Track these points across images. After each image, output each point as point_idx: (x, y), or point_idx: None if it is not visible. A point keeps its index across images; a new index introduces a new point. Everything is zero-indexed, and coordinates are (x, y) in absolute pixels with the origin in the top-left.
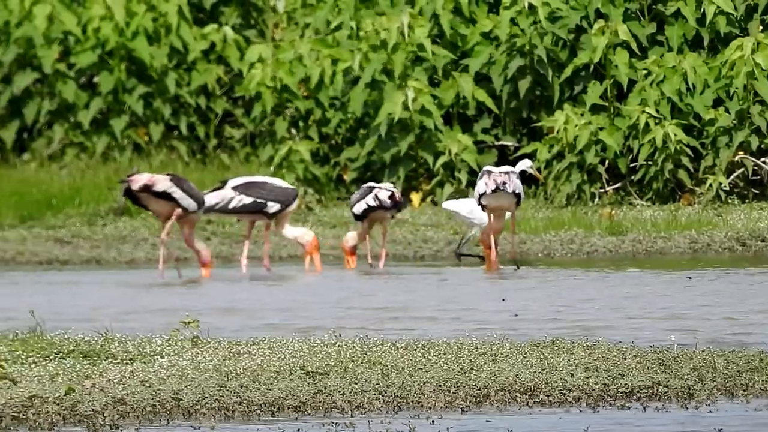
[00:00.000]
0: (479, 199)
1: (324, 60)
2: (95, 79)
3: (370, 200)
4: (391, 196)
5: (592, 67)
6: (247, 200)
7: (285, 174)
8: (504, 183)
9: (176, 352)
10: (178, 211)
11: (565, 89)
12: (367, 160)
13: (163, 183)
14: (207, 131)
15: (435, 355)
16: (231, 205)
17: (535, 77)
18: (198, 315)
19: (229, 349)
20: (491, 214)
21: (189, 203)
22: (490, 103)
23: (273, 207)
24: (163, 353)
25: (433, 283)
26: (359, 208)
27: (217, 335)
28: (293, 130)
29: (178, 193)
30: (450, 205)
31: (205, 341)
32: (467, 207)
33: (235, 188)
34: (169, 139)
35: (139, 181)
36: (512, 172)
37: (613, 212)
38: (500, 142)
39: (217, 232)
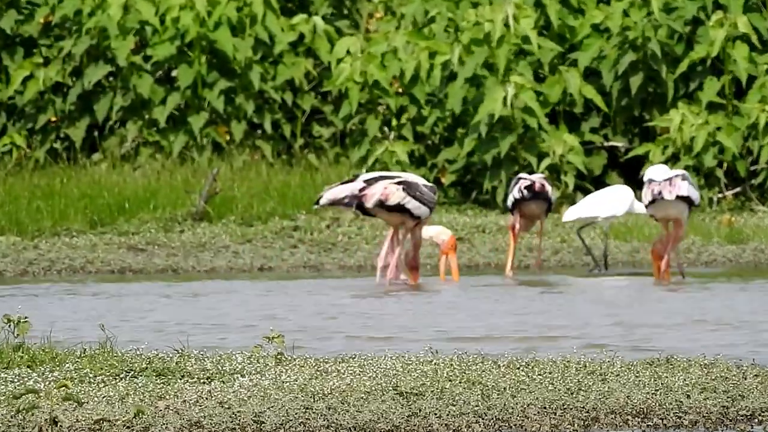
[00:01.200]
0: (646, 208)
1: (420, 53)
2: (173, 73)
3: (515, 192)
4: (529, 186)
5: (709, 61)
6: (412, 203)
7: None
8: (660, 192)
9: (258, 370)
10: (410, 223)
11: (680, 86)
12: (467, 161)
13: (396, 195)
14: (293, 130)
15: (540, 374)
16: (390, 202)
17: (648, 73)
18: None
19: (315, 367)
20: (662, 224)
21: (423, 212)
22: (599, 100)
23: (420, 209)
24: (244, 372)
25: (552, 296)
26: (509, 200)
27: (314, 352)
28: (386, 129)
29: (411, 203)
30: (582, 212)
31: (290, 359)
32: (609, 209)
33: (404, 187)
34: (252, 138)
35: (372, 197)
36: (677, 176)
37: (733, 219)
38: (610, 143)
39: (304, 239)
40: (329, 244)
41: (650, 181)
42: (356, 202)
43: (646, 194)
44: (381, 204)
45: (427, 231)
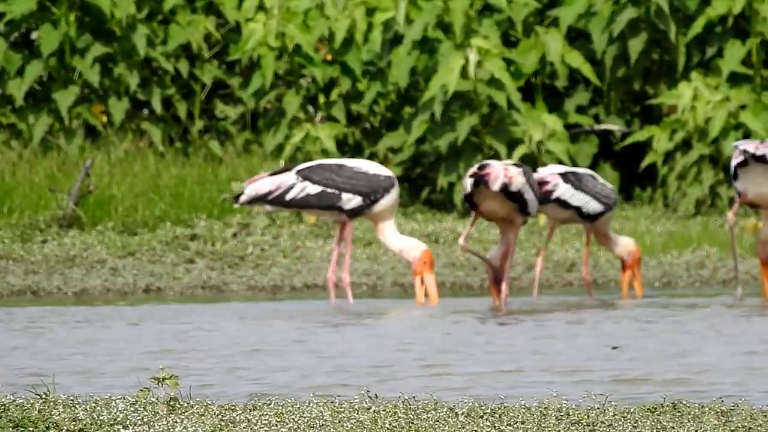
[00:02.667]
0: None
1: (355, 10)
2: (33, 36)
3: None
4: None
5: (731, 20)
6: (314, 189)
7: None
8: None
9: (145, 420)
10: (518, 220)
11: (693, 52)
12: (416, 150)
13: (518, 180)
14: (190, 109)
15: (510, 425)
16: (290, 196)
17: (652, 34)
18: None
19: (220, 417)
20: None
21: (533, 206)
22: (588, 70)
23: (351, 201)
24: (127, 422)
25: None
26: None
27: (219, 396)
28: (310, 108)
29: (529, 194)
30: None
31: (186, 405)
32: None
33: (300, 172)
34: (136, 120)
35: (497, 178)
36: None
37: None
38: (602, 126)
39: (203, 252)
40: (236, 258)
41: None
42: (471, 182)
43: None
44: (505, 188)
45: (399, 243)
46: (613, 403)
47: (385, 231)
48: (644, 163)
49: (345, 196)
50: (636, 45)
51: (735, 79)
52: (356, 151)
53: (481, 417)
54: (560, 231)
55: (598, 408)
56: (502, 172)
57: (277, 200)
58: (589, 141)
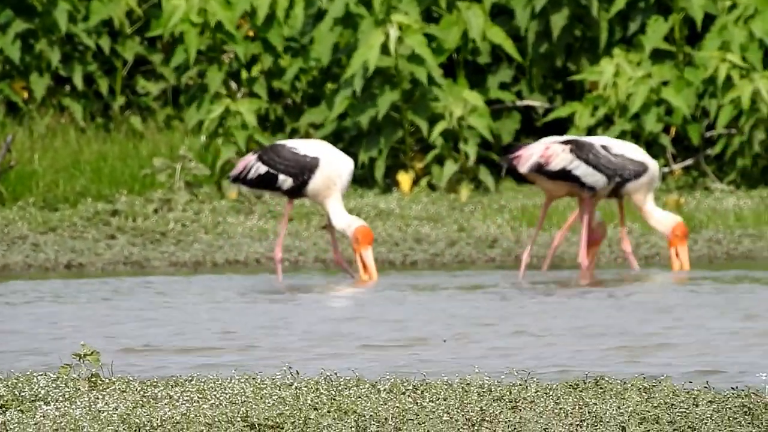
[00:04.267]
0: None
1: None
2: None
3: None
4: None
5: None
6: (262, 169)
7: (221, 145)
8: None
9: (67, 396)
10: (585, 195)
11: (616, 28)
12: (337, 126)
13: (560, 158)
14: (112, 85)
15: (432, 401)
16: (249, 176)
17: (575, 11)
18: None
19: (141, 393)
20: None
21: (597, 179)
22: (510, 47)
23: (286, 181)
24: (49, 398)
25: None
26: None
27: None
28: (232, 84)
29: (580, 169)
30: None
31: (108, 381)
32: None
33: (257, 154)
34: (57, 96)
35: (527, 159)
36: None
37: (682, 200)
38: (524, 102)
39: (124, 228)
40: (157, 234)
41: None
42: (505, 166)
43: None
44: (539, 168)
45: (341, 220)
46: (535, 379)
47: (329, 209)
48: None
49: (281, 177)
50: (558, 21)
51: (657, 56)
52: (277, 127)
53: (404, 393)
54: (481, 207)
55: (520, 384)
56: (538, 152)
57: (242, 180)
58: (512, 117)
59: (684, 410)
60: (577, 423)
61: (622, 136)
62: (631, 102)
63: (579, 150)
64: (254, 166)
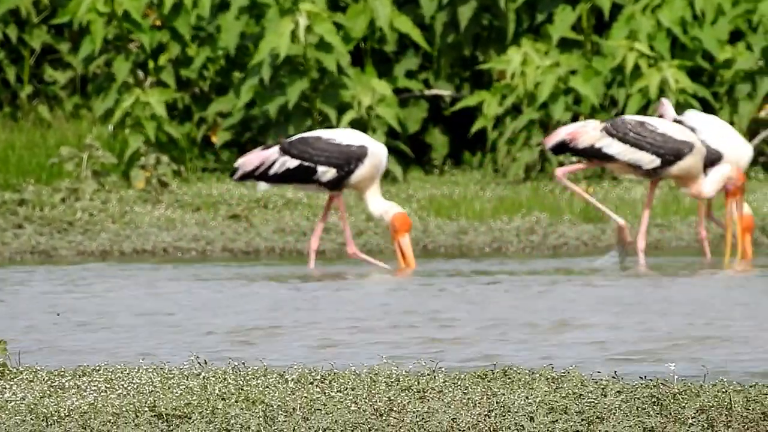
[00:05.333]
0: None
1: None
2: None
3: None
4: None
5: None
6: (293, 163)
7: (129, 134)
8: None
9: None
10: (637, 175)
11: (523, 17)
12: (245, 115)
13: (588, 136)
14: (19, 74)
15: (339, 391)
16: (273, 171)
17: (483, 1)
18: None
19: (49, 382)
20: None
21: (641, 157)
22: (418, 36)
23: (327, 173)
24: None
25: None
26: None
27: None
28: (140, 73)
29: (614, 147)
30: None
31: (14, 371)
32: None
33: (282, 147)
34: None
35: (551, 139)
36: None
37: (591, 190)
38: (432, 91)
39: (31, 217)
40: (65, 224)
41: None
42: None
43: None
44: (563, 146)
45: (379, 206)
46: (443, 369)
47: (368, 198)
48: (474, 128)
49: (321, 168)
50: (466, 11)
51: (565, 45)
52: (185, 117)
53: (311, 383)
54: (389, 196)
55: (428, 374)
56: (566, 130)
57: (262, 176)
58: (419, 106)
59: (592, 400)
60: (485, 413)
61: (530, 124)
62: (538, 91)
63: (614, 127)
64: (279, 160)
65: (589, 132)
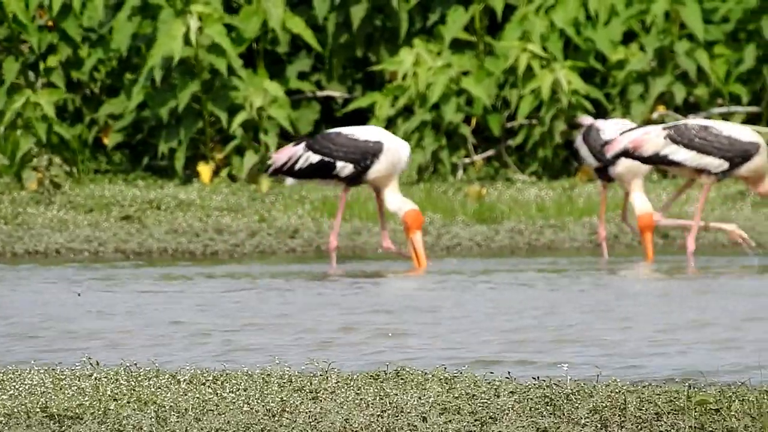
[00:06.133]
0: None
1: None
2: None
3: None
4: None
5: None
6: (314, 158)
7: (20, 136)
8: None
9: None
10: (704, 179)
11: (416, 18)
12: (137, 116)
13: (652, 144)
14: None
15: (232, 392)
16: (298, 166)
17: (375, 1)
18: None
19: None
20: None
21: (709, 162)
22: (310, 36)
23: (345, 168)
24: None
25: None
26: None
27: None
28: (30, 74)
29: (681, 154)
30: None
31: None
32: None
33: (307, 143)
34: None
35: (612, 148)
36: None
37: (484, 191)
38: (324, 93)
39: None
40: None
41: None
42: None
43: None
44: (625, 154)
45: (395, 202)
46: (336, 369)
47: (385, 195)
48: None
49: (339, 164)
50: (358, 11)
51: (458, 46)
52: (77, 118)
53: (203, 384)
54: (282, 197)
55: (321, 375)
56: (627, 138)
57: (289, 171)
58: (311, 107)
59: (485, 401)
60: (378, 413)
61: (422, 126)
62: (430, 92)
63: (675, 134)
64: (303, 155)
65: (652, 139)
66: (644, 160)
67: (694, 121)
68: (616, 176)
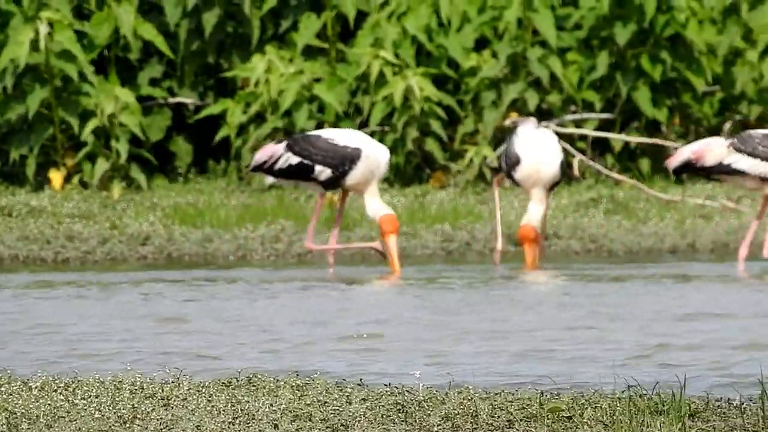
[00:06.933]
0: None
1: None
2: None
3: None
4: None
5: None
6: (294, 160)
7: None
8: None
9: None
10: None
11: (268, 25)
12: None
13: (714, 153)
14: None
15: (84, 399)
16: (277, 166)
17: (227, 8)
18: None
19: None
20: None
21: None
22: (162, 43)
23: (323, 172)
24: None
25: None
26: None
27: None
28: None
29: (744, 162)
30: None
31: None
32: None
33: (288, 143)
34: None
35: (674, 160)
36: None
37: (335, 198)
38: (176, 99)
39: None
40: None
41: None
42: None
43: None
44: (687, 166)
45: (374, 208)
46: (188, 376)
47: (365, 200)
48: (218, 137)
49: (317, 168)
50: (210, 18)
51: (310, 53)
52: None
53: (55, 391)
54: (134, 204)
55: (173, 382)
56: (689, 149)
57: (269, 169)
58: (163, 114)
59: (337, 408)
60: (230, 420)
61: (274, 132)
62: (282, 99)
63: (742, 142)
64: (283, 156)
65: (714, 150)
66: (707, 170)
67: (759, 131)
68: (519, 181)
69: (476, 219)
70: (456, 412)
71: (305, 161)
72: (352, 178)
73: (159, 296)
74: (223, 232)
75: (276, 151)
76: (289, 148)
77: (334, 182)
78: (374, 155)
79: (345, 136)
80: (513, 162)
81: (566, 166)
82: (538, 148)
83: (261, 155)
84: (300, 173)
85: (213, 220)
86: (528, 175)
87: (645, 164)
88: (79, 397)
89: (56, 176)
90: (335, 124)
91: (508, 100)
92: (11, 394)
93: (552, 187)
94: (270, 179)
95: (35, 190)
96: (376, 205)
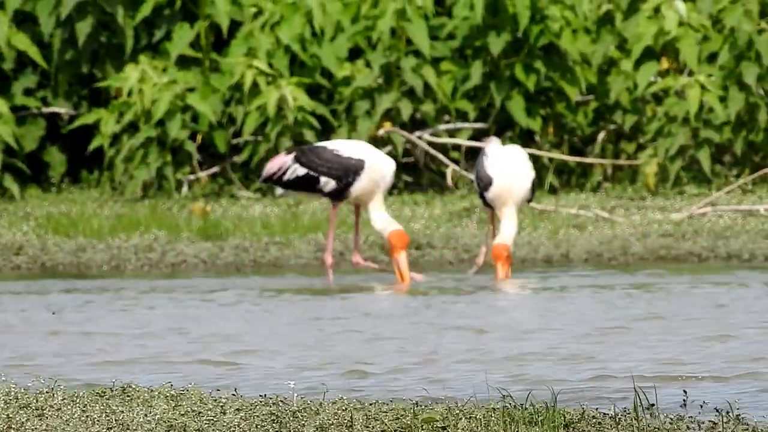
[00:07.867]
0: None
1: None
2: None
3: None
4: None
5: (179, 3)
6: (301, 171)
7: None
8: None
9: None
10: None
11: (141, 35)
12: None
13: None
14: None
15: None
16: (285, 177)
17: (100, 17)
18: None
19: None
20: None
21: None
22: (35, 53)
23: (328, 184)
24: None
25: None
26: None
27: None
28: None
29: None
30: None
31: None
32: None
33: (296, 155)
34: None
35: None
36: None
37: (209, 208)
38: (50, 109)
39: None
40: None
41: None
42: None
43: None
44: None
45: (380, 221)
46: (61, 387)
47: (370, 212)
48: (91, 146)
49: (323, 179)
50: (83, 28)
51: (184, 62)
52: None
53: None
54: (7, 214)
55: (47, 392)
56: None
57: (278, 180)
58: (36, 124)
59: (211, 418)
60: (104, 430)
61: (148, 142)
62: (155, 108)
63: None
64: (291, 167)
65: None
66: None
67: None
68: (490, 201)
69: (349, 228)
70: (330, 422)
71: (311, 173)
72: (357, 189)
73: None
74: (96, 241)
75: (284, 163)
76: (297, 159)
77: (340, 193)
78: (378, 166)
79: (350, 148)
80: (485, 183)
81: (536, 183)
82: (508, 166)
83: (271, 166)
84: (306, 185)
85: (86, 230)
86: (499, 195)
87: None
88: None
89: None
90: (209, 134)
91: (381, 110)
92: None
93: (522, 204)
94: (279, 190)
95: None
96: (382, 219)
